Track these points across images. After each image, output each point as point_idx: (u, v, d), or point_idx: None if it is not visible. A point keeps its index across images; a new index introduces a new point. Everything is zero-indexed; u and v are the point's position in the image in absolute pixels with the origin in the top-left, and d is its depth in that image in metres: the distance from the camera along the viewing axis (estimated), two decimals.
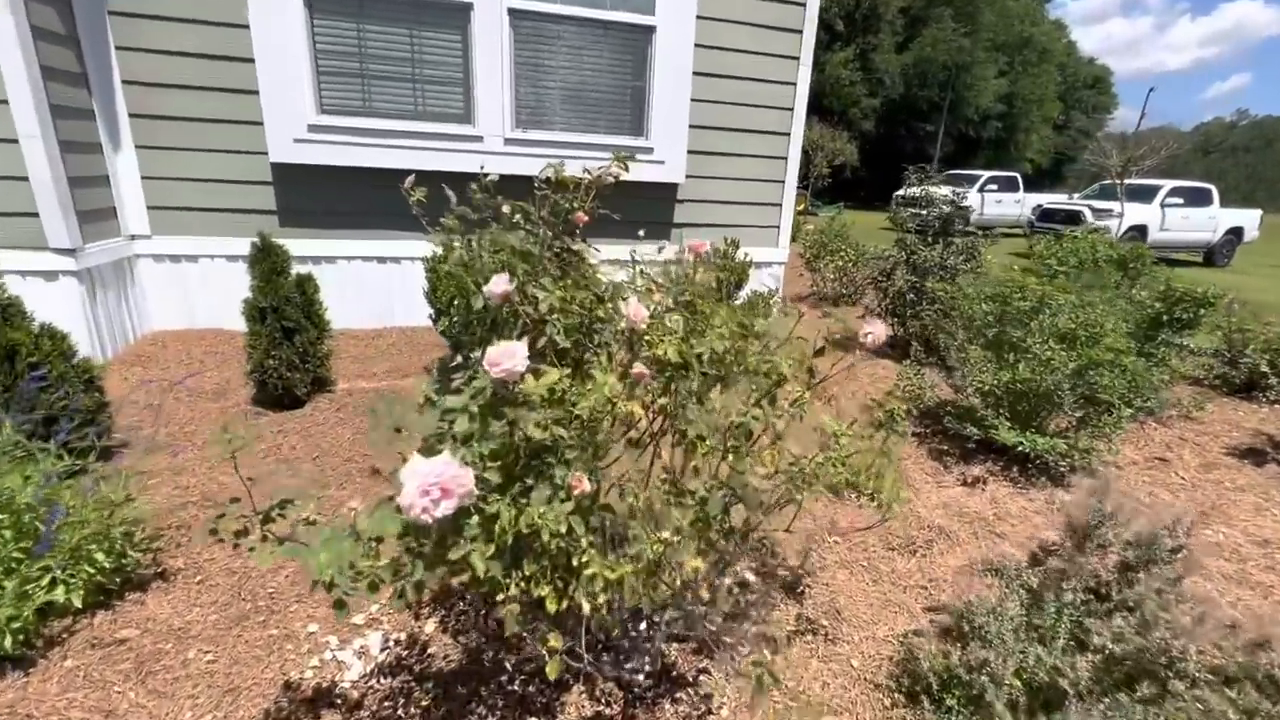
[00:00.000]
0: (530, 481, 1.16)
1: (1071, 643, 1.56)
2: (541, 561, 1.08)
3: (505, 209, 1.74)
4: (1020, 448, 2.90)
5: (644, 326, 1.32)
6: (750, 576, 2.16)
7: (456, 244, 1.62)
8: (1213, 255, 13.65)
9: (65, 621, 1.83)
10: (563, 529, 1.02)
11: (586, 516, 1.11)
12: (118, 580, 1.95)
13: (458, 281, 1.64)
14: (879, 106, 32.73)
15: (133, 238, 4.18)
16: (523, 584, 1.08)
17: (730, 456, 1.17)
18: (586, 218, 1.68)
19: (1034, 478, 3.04)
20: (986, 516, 2.71)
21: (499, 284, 1.41)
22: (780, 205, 5.48)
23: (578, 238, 1.65)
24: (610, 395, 1.10)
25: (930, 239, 4.85)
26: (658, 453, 1.41)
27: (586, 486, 1.07)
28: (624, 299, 1.38)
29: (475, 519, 1.04)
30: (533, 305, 1.55)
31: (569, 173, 1.64)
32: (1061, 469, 3.07)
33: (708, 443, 1.28)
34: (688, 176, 5.08)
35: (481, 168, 1.80)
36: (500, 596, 1.05)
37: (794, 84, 5.25)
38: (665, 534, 1.08)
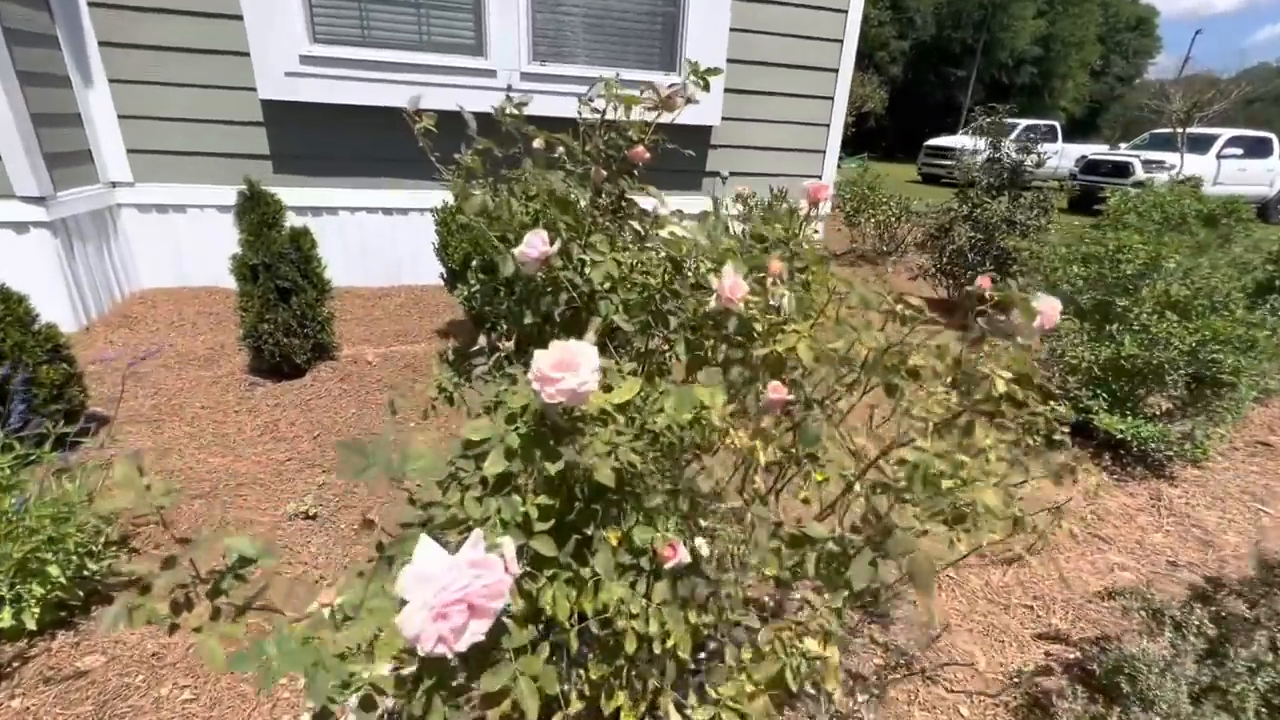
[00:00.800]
0: (590, 531, 0.81)
1: (1267, 711, 1.22)
2: (615, 660, 0.73)
3: (537, 144, 1.34)
4: (1121, 435, 2.51)
5: (742, 306, 0.93)
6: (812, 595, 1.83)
7: (477, 190, 1.23)
8: (1267, 211, 12.78)
9: (19, 646, 1.54)
10: (653, 629, 0.67)
11: (679, 596, 0.75)
12: (81, 593, 1.65)
13: (474, 235, 1.25)
14: (908, 50, 30.96)
15: (113, 185, 3.78)
16: (587, 690, 0.74)
17: (884, 498, 0.81)
18: (647, 154, 1.27)
19: (1129, 467, 2.66)
20: (1084, 515, 2.36)
21: (535, 245, 1.02)
22: (824, 152, 4.95)
23: (635, 180, 1.25)
24: (716, 418, 0.72)
25: (995, 191, 4.34)
26: (749, 477, 1.05)
27: (684, 556, 0.71)
28: (712, 266, 0.99)
29: (519, 605, 0.69)
30: (579, 273, 1.16)
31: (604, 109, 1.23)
32: (1160, 457, 2.69)
33: (828, 465, 0.92)
34: (724, 118, 4.56)
35: (508, 87, 1.39)
36: (558, 718, 0.71)
37: (844, 11, 4.65)
38: (811, 644, 0.73)
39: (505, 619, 0.72)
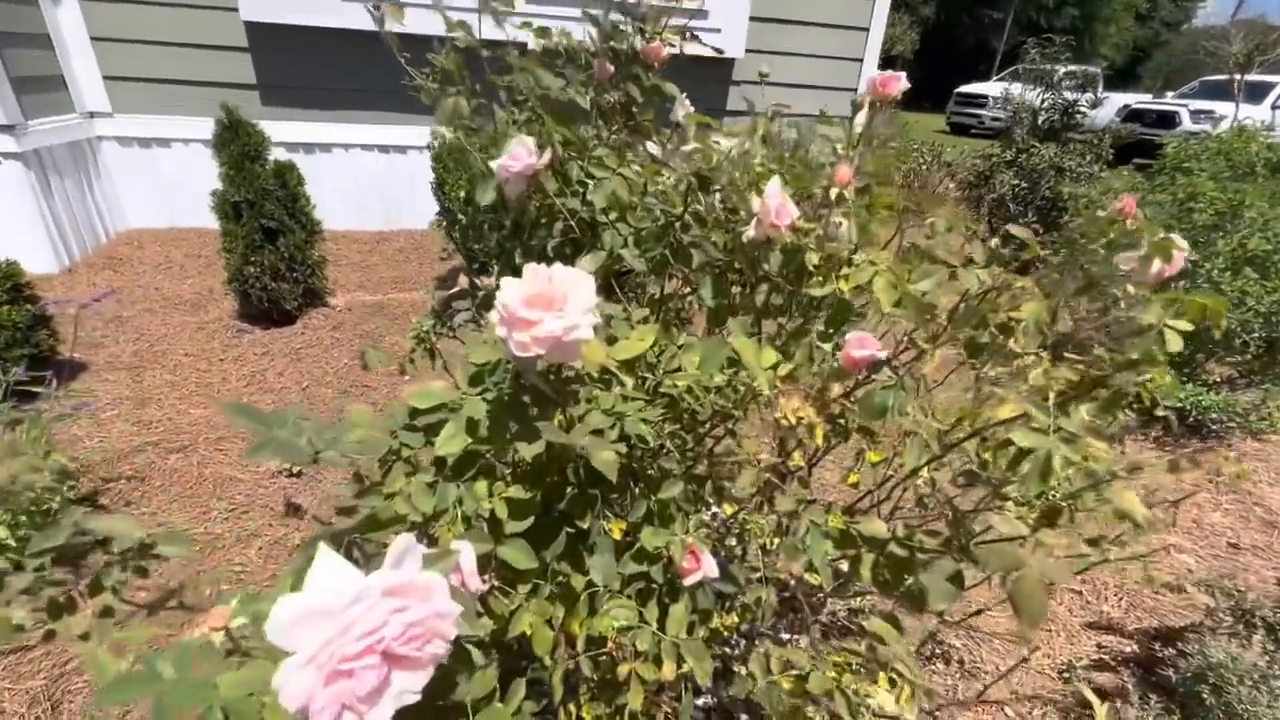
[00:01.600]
0: (587, 524, 0.62)
1: None
2: (614, 698, 0.56)
3: (533, 46, 1.10)
4: (1180, 404, 2.29)
5: (790, 236, 0.71)
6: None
7: (453, 90, 1.00)
8: None
9: None
10: (666, 672, 0.49)
11: (700, 609, 0.57)
12: None
13: (471, 176, 1.04)
14: None
15: (91, 115, 3.53)
16: None
17: (974, 490, 0.62)
18: (664, 51, 1.03)
19: (1182, 438, 2.44)
20: (1132, 488, 2.15)
21: (519, 156, 0.81)
22: (856, 90, 4.57)
23: (651, 76, 1.01)
24: (765, 384, 0.52)
25: (1041, 137, 3.98)
26: (786, 453, 0.85)
27: (709, 569, 0.52)
28: (742, 182, 0.76)
29: (485, 627, 0.50)
30: (579, 196, 0.94)
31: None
32: (1214, 427, 2.47)
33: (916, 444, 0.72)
34: (747, 51, 4.18)
35: None
36: None
37: None
38: (884, 697, 0.55)
39: (467, 645, 0.53)
